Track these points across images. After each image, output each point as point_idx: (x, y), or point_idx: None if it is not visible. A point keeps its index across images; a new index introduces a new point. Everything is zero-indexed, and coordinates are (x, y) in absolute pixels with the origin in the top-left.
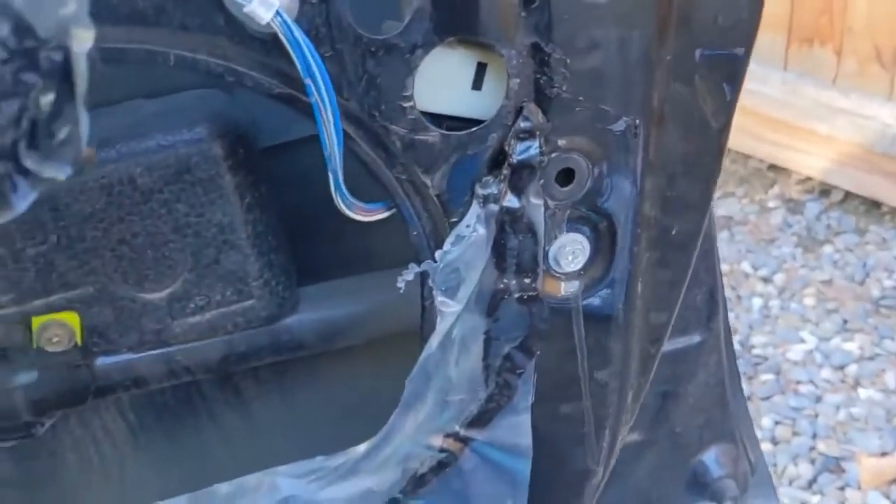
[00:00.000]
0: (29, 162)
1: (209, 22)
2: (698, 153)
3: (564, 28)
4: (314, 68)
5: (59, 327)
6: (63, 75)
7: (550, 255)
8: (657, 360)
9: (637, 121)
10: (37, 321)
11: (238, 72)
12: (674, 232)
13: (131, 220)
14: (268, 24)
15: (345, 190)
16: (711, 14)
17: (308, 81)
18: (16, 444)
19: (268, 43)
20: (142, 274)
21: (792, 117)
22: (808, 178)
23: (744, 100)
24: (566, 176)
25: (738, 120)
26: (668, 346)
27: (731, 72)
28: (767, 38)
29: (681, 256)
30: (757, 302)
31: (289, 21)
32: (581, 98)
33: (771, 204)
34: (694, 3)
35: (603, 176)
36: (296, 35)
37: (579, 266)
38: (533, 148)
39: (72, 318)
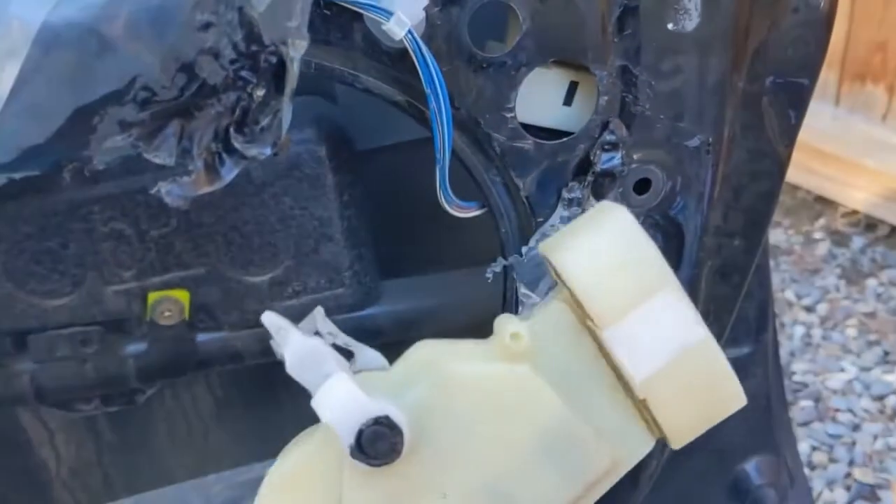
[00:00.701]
0: (236, 143)
1: (348, 36)
2: (763, 171)
3: (651, 53)
4: (435, 80)
5: (172, 303)
6: (274, 75)
7: None
8: None
9: (710, 139)
10: (152, 296)
11: (367, 81)
12: (735, 243)
13: (244, 209)
14: (400, 40)
15: (448, 188)
16: (783, 46)
17: (429, 91)
18: (119, 410)
19: (395, 56)
20: (248, 259)
21: (841, 151)
22: (855, 212)
23: None
24: (643, 185)
25: None
26: None
27: (797, 99)
28: (821, 74)
29: (739, 268)
30: (799, 330)
31: (418, 39)
32: (661, 116)
33: (817, 235)
34: (768, 38)
35: (676, 187)
36: (423, 51)
37: None
38: (616, 159)
39: (183, 296)
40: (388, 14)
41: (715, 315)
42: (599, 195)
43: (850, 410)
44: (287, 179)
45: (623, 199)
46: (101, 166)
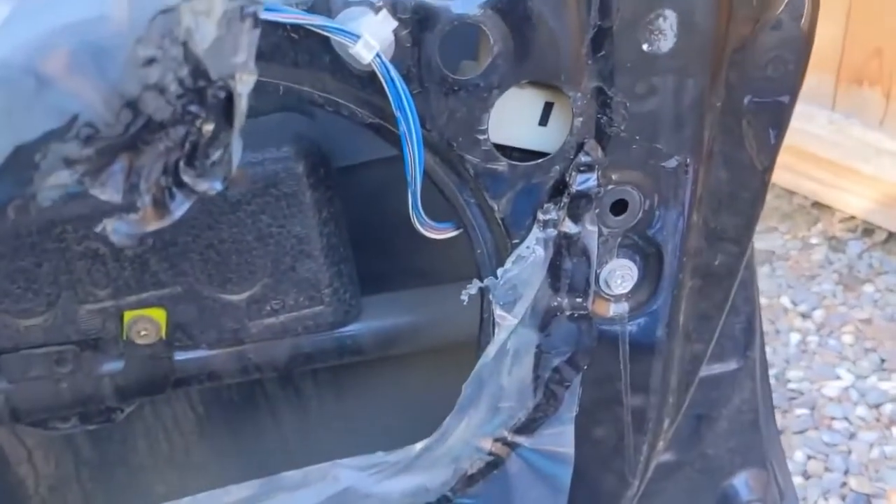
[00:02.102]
0: (186, 177)
1: (316, 60)
2: (743, 191)
3: (626, 75)
4: (404, 103)
5: (148, 322)
6: (223, 109)
7: (601, 277)
8: (695, 383)
9: (687, 159)
10: (128, 315)
11: (337, 103)
12: (716, 262)
13: (220, 227)
14: (368, 63)
15: (421, 210)
16: (761, 66)
17: (398, 114)
18: (96, 428)
19: (364, 79)
20: (225, 277)
21: (838, 156)
22: (852, 217)
23: (790, 138)
24: (620, 206)
25: (784, 157)
26: (706, 371)
27: (776, 118)
28: (816, 79)
29: (721, 285)
30: (795, 337)
31: (386, 62)
32: (637, 137)
33: (813, 241)
34: (745, 57)
35: (654, 208)
36: (391, 74)
37: (628, 289)
38: (591, 180)
39: (159, 314)
40: (356, 37)
41: (698, 333)
42: (575, 216)
43: (846, 418)
44: (264, 197)
45: (600, 220)
46: (46, 203)
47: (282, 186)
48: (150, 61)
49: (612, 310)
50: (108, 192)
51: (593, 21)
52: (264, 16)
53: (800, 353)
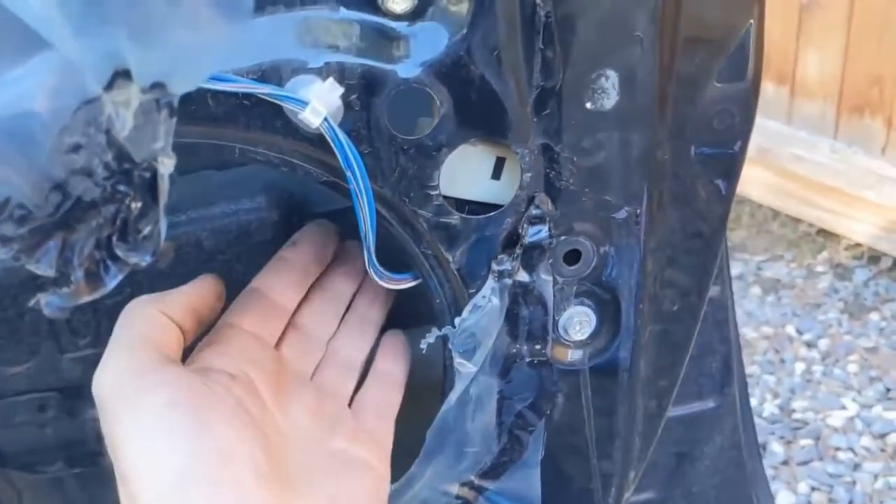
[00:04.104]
0: (119, 251)
1: (269, 124)
2: (696, 239)
3: (571, 132)
4: (353, 163)
5: None
6: (149, 188)
7: (560, 324)
8: (663, 422)
9: (637, 210)
10: None
11: (291, 162)
12: (675, 308)
13: (196, 276)
14: (317, 127)
15: (377, 263)
16: (706, 120)
17: (348, 173)
18: (81, 472)
19: (315, 140)
20: None
21: (842, 184)
22: (857, 245)
23: (794, 166)
24: (573, 256)
25: (788, 185)
26: (683, 410)
27: (726, 168)
28: (818, 107)
29: (682, 330)
30: (800, 366)
31: (334, 126)
32: (587, 190)
33: (819, 269)
34: (688, 113)
35: (608, 256)
36: (339, 136)
37: (586, 335)
38: (543, 232)
39: None
40: (304, 104)
41: (660, 378)
42: (529, 266)
43: (851, 449)
44: (238, 247)
45: (554, 270)
46: None
47: (255, 235)
48: (76, 147)
49: (571, 355)
50: (42, 267)
51: (536, 82)
52: (215, 86)
53: (805, 383)
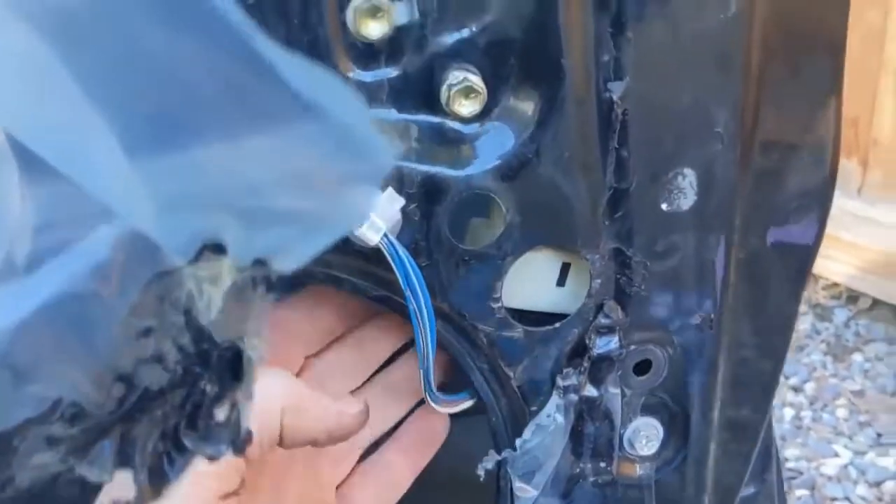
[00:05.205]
0: (187, 441)
1: None
2: (768, 338)
3: (645, 235)
4: (413, 279)
5: None
6: (229, 367)
7: (625, 438)
8: None
9: (711, 315)
10: None
11: (338, 277)
12: (743, 412)
13: None
14: (376, 244)
15: (434, 388)
16: (785, 215)
17: (407, 292)
18: None
19: (369, 255)
20: None
21: None
22: (835, 285)
23: None
24: (643, 366)
25: None
26: None
27: (799, 265)
28: None
29: (750, 435)
30: (788, 412)
31: (394, 241)
32: (659, 295)
33: (800, 309)
34: (765, 209)
35: (679, 363)
36: (399, 252)
37: (654, 450)
38: (613, 342)
39: None
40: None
41: (728, 478)
42: (597, 380)
43: (847, 498)
44: None
45: (623, 382)
46: (25, 483)
47: None
48: (147, 332)
49: (639, 470)
50: (95, 472)
51: (609, 183)
52: None
53: (795, 430)
